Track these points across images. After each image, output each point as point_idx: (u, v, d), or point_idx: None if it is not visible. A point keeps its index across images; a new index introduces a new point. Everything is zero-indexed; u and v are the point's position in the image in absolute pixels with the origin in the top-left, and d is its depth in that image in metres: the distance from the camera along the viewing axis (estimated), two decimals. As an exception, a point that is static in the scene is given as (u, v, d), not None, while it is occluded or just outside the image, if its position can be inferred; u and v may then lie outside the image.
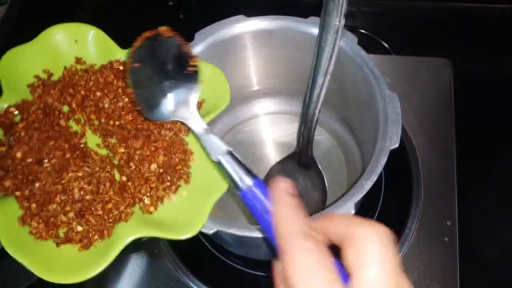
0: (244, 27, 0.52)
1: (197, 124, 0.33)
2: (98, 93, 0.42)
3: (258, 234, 0.39)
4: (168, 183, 0.38)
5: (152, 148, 0.39)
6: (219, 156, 0.30)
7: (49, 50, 0.43)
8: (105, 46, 0.44)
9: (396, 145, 0.43)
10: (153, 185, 0.38)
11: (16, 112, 0.40)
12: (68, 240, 0.36)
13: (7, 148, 0.39)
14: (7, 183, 0.37)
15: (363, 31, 0.74)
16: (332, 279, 0.23)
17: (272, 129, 0.64)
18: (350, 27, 0.75)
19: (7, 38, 0.73)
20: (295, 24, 0.51)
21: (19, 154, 0.38)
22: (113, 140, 0.41)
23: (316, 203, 0.57)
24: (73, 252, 0.35)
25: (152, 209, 0.37)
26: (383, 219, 0.56)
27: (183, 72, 0.36)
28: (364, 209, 0.55)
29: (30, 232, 0.35)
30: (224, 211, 0.58)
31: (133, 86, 0.34)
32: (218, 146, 0.31)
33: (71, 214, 0.36)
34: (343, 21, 0.44)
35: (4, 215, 0.35)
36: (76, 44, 0.43)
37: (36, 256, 0.34)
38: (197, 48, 0.50)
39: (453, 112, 0.64)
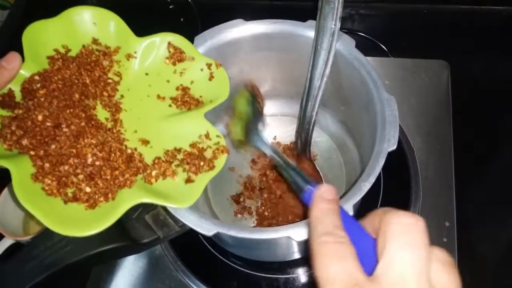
0: (243, 30, 0.52)
1: (268, 149, 0.41)
2: (116, 78, 0.47)
3: (257, 236, 0.40)
4: (175, 167, 0.43)
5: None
6: (286, 168, 0.37)
7: (69, 28, 0.46)
8: (122, 33, 0.48)
9: (394, 147, 0.44)
10: (164, 165, 0.43)
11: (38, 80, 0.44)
12: (75, 199, 0.38)
13: (24, 112, 0.42)
14: (25, 142, 0.40)
15: (361, 33, 0.75)
16: (350, 266, 0.24)
17: (271, 131, 0.65)
18: (348, 29, 0.75)
19: (9, 42, 0.73)
20: (293, 28, 0.52)
21: (40, 117, 0.41)
22: (121, 116, 0.45)
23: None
24: (80, 210, 0.38)
25: (153, 180, 0.41)
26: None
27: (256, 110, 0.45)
28: (363, 210, 0.55)
29: (42, 188, 0.38)
30: (224, 213, 0.59)
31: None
32: (285, 161, 0.38)
33: (81, 176, 0.40)
34: (338, 24, 0.45)
35: (18, 170, 0.37)
36: (94, 26, 0.47)
37: (46, 209, 0.36)
38: (197, 51, 0.51)
39: (450, 113, 0.64)
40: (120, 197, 0.39)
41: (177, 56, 0.48)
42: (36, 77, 0.43)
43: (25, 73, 0.43)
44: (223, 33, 0.52)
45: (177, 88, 0.48)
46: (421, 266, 0.23)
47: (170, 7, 0.82)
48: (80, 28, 0.46)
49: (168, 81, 0.48)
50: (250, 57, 0.56)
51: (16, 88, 0.43)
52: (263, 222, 0.57)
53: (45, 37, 0.45)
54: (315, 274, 0.24)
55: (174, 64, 0.49)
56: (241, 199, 0.59)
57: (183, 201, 0.40)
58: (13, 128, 0.41)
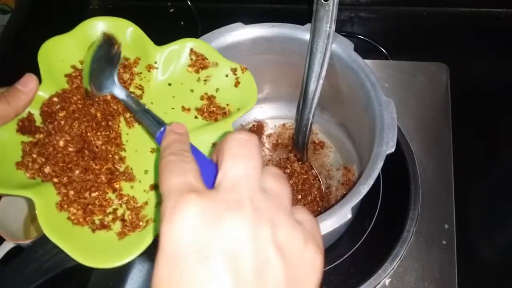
0: (243, 34, 0.52)
1: (120, 92, 0.39)
2: (138, 92, 0.45)
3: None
4: None
5: None
6: (139, 112, 0.37)
7: (85, 42, 0.44)
8: (141, 42, 0.45)
9: (392, 150, 0.44)
10: None
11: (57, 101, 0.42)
12: (103, 226, 0.37)
13: (45, 136, 0.40)
14: (47, 170, 0.38)
15: (360, 36, 0.75)
16: (191, 178, 0.26)
17: (270, 134, 0.65)
18: (348, 32, 0.76)
19: (11, 46, 0.74)
20: (292, 31, 0.52)
21: (61, 143, 0.39)
22: None
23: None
24: (109, 238, 0.36)
25: None
26: (381, 222, 0.57)
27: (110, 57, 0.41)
28: (363, 213, 0.56)
29: (68, 218, 0.36)
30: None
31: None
32: (138, 105, 0.37)
33: (109, 208, 0.38)
34: (333, 27, 0.45)
35: (42, 200, 0.36)
36: None
37: (72, 241, 0.35)
38: (197, 55, 0.51)
39: (450, 116, 0.64)
40: (149, 223, 0.37)
41: (199, 63, 0.46)
42: (55, 99, 0.41)
43: (43, 94, 0.41)
44: (223, 37, 0.52)
45: (201, 98, 0.45)
46: (251, 174, 0.25)
47: (171, 10, 0.82)
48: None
49: (192, 90, 0.45)
50: (249, 61, 0.55)
51: (35, 111, 0.41)
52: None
53: (61, 54, 0.43)
54: (160, 191, 0.26)
55: (197, 71, 0.46)
56: None
57: None
58: (35, 155, 0.39)
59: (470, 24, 0.76)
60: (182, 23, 0.80)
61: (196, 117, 0.44)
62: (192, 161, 0.27)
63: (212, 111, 0.44)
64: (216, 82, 0.46)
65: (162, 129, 0.33)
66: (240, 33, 0.52)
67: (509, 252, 0.58)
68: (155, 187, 0.40)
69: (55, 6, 0.80)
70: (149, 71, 0.45)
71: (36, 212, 0.35)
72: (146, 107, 0.37)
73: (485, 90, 0.69)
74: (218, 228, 0.23)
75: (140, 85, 0.45)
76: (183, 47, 0.46)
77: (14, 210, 0.58)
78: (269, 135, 0.65)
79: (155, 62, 0.45)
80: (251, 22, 0.53)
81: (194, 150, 0.30)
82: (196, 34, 0.52)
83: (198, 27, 0.77)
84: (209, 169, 0.28)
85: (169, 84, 0.45)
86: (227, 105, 0.45)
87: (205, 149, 0.41)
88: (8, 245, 0.55)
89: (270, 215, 0.24)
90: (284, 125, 0.65)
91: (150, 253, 0.58)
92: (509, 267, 0.57)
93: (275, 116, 0.66)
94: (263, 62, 0.57)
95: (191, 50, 0.46)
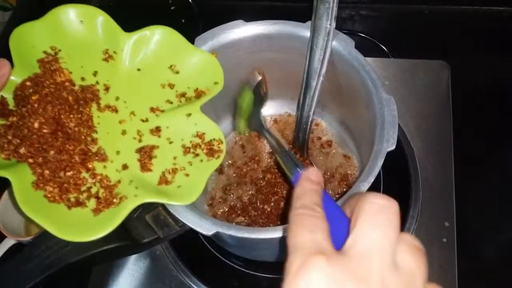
0: (244, 31, 0.52)
1: (266, 133, 0.44)
2: (108, 77, 0.46)
3: (257, 235, 0.40)
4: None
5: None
6: (281, 152, 0.39)
7: (56, 28, 0.45)
8: (110, 29, 0.46)
9: (393, 147, 0.44)
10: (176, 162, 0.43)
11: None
12: (78, 204, 0.38)
13: (19, 119, 0.41)
14: (22, 151, 0.39)
15: (361, 34, 0.75)
16: (319, 238, 0.25)
17: (276, 120, 0.65)
18: (349, 30, 0.75)
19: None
20: (293, 29, 0.52)
21: (36, 125, 0.40)
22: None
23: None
24: (84, 214, 0.38)
25: (170, 178, 0.41)
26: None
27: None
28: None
29: (45, 196, 0.38)
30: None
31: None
32: (280, 146, 0.40)
33: (83, 187, 0.39)
34: (334, 24, 0.45)
35: (18, 180, 0.37)
36: (82, 24, 0.46)
37: (49, 216, 0.36)
38: (197, 52, 0.51)
39: (451, 114, 0.64)
40: (123, 200, 0.39)
41: None
42: (28, 83, 0.42)
43: (16, 78, 0.42)
44: (224, 34, 0.52)
45: (170, 84, 0.47)
46: (387, 245, 0.24)
47: (171, 8, 0.82)
48: (67, 27, 0.45)
49: (161, 75, 0.47)
50: (250, 58, 0.56)
51: (8, 95, 0.42)
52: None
53: (33, 40, 0.44)
54: (287, 243, 0.25)
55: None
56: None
57: (185, 198, 0.40)
58: (10, 137, 0.40)
59: (471, 23, 0.76)
60: (183, 20, 0.80)
61: (168, 100, 0.46)
62: (323, 218, 0.26)
63: (182, 93, 0.46)
64: (184, 67, 0.48)
65: (299, 171, 0.33)
66: (241, 30, 0.52)
67: (509, 250, 0.58)
68: (127, 167, 0.42)
69: (56, 4, 0.80)
70: (118, 57, 0.46)
71: (13, 190, 0.36)
72: (287, 149, 0.39)
73: (485, 88, 0.69)
74: None
75: (110, 70, 0.46)
76: (152, 33, 0.47)
77: (15, 207, 0.59)
78: (276, 121, 0.65)
79: (124, 48, 0.47)
80: (252, 20, 0.52)
81: (327, 200, 0.29)
82: (197, 32, 0.52)
83: (199, 24, 0.77)
84: (339, 222, 0.27)
85: (138, 70, 0.47)
86: (196, 89, 0.47)
87: (174, 130, 0.44)
88: (9, 242, 0.56)
89: None
90: (289, 115, 0.64)
91: (150, 252, 0.58)
92: (509, 265, 0.57)
93: (275, 113, 0.66)
94: (264, 60, 0.56)
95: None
